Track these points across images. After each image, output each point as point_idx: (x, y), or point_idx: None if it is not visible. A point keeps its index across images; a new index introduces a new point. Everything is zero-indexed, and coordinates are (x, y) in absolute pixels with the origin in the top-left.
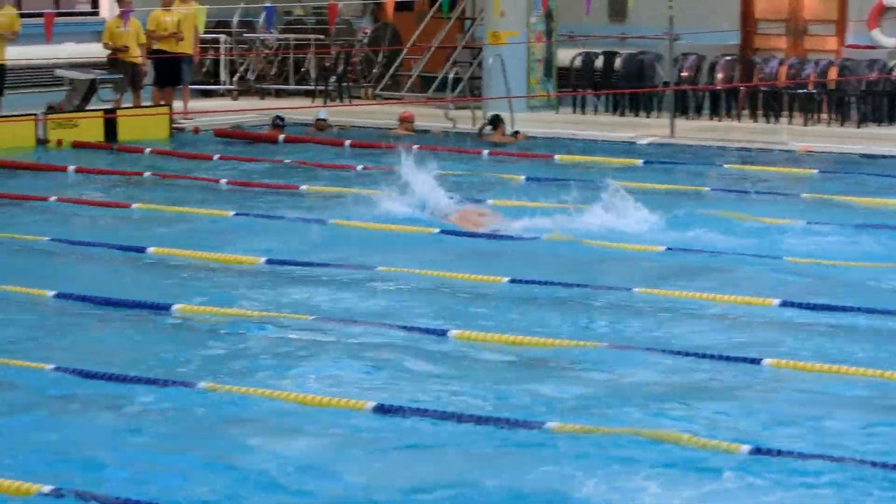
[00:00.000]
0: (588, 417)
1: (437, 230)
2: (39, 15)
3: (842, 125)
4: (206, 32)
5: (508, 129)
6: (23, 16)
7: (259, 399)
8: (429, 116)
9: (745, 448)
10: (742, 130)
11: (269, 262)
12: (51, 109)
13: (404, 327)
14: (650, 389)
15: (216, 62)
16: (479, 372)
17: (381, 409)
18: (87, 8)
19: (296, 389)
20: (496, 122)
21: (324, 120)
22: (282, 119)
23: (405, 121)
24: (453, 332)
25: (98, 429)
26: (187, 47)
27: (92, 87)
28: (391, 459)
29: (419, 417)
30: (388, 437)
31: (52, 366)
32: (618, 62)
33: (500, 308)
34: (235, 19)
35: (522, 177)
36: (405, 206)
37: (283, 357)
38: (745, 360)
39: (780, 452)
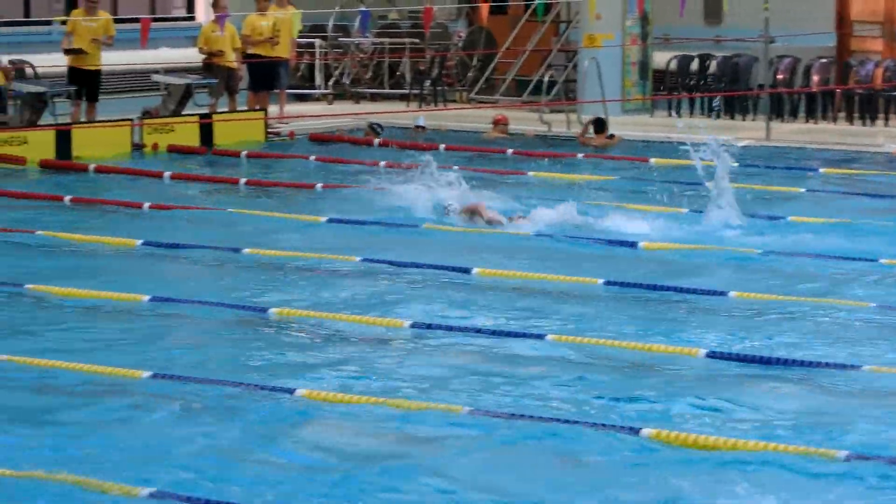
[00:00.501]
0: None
1: (531, 233)
2: (136, 20)
3: None
4: (301, 36)
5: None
6: (119, 21)
7: (358, 406)
8: (523, 120)
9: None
10: (838, 133)
11: (365, 260)
12: (146, 114)
13: (500, 332)
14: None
15: (311, 66)
16: (576, 374)
17: (476, 412)
18: (183, 13)
19: (392, 394)
20: (601, 124)
21: (422, 127)
22: (380, 126)
23: (499, 123)
24: (550, 337)
25: (196, 433)
26: (284, 51)
27: (187, 92)
28: (487, 462)
29: (511, 420)
30: (484, 440)
31: (148, 372)
32: (713, 65)
33: (598, 310)
34: (331, 23)
35: (615, 178)
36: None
37: (378, 360)
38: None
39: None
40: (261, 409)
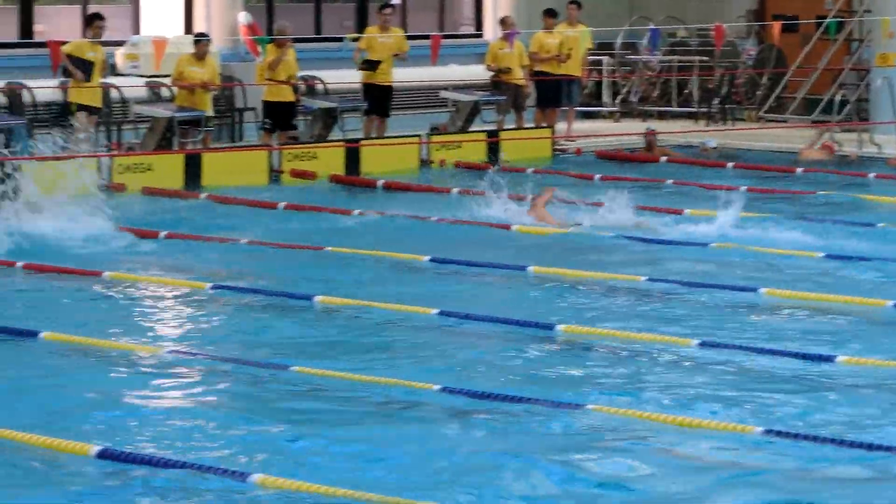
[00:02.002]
0: None
1: (821, 255)
2: (425, 37)
3: None
4: (589, 54)
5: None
6: (408, 38)
7: (641, 421)
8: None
9: None
10: None
11: (651, 280)
12: (434, 131)
13: (788, 353)
14: None
15: (598, 84)
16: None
17: (769, 433)
18: (471, 30)
19: (678, 412)
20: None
21: (714, 148)
22: (653, 132)
23: (826, 149)
24: (841, 359)
25: (484, 450)
26: (574, 69)
27: (475, 109)
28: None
29: (798, 441)
30: (775, 463)
31: (438, 386)
32: None
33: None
34: (619, 41)
35: None
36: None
37: (663, 379)
38: None
39: None
40: (551, 424)
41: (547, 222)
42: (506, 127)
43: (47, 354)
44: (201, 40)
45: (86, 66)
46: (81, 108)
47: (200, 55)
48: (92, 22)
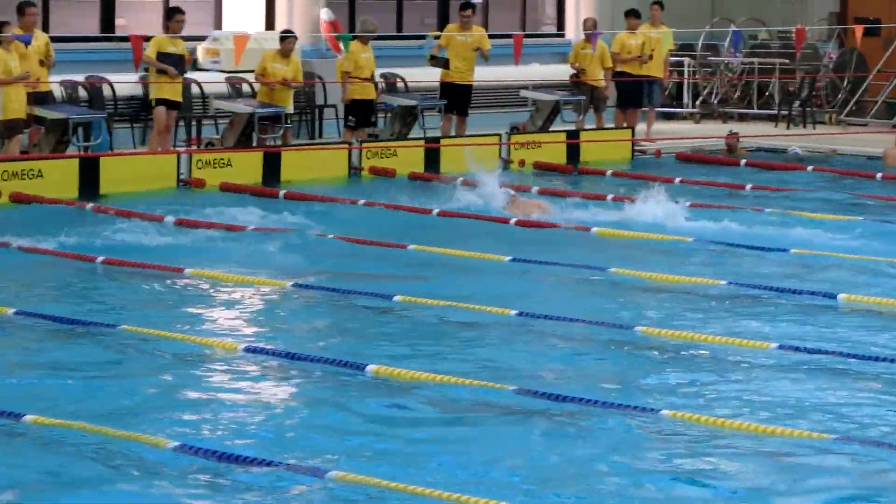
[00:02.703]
0: None
1: None
2: (507, 36)
3: None
4: (670, 55)
5: None
6: (490, 37)
7: (720, 430)
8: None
9: None
10: None
11: (731, 283)
12: (514, 130)
13: (866, 356)
14: None
15: (679, 85)
16: None
17: (844, 439)
18: (553, 30)
19: (753, 419)
20: None
21: (800, 157)
22: (735, 135)
23: None
24: None
25: (559, 452)
26: (656, 70)
27: (555, 109)
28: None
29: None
30: (851, 467)
31: (513, 386)
32: None
33: None
34: (700, 42)
35: None
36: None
37: (741, 385)
38: None
39: None
40: (621, 427)
41: (530, 211)
42: (585, 127)
43: (126, 347)
44: (287, 37)
45: (176, 62)
46: (160, 102)
47: (285, 52)
48: (172, 16)
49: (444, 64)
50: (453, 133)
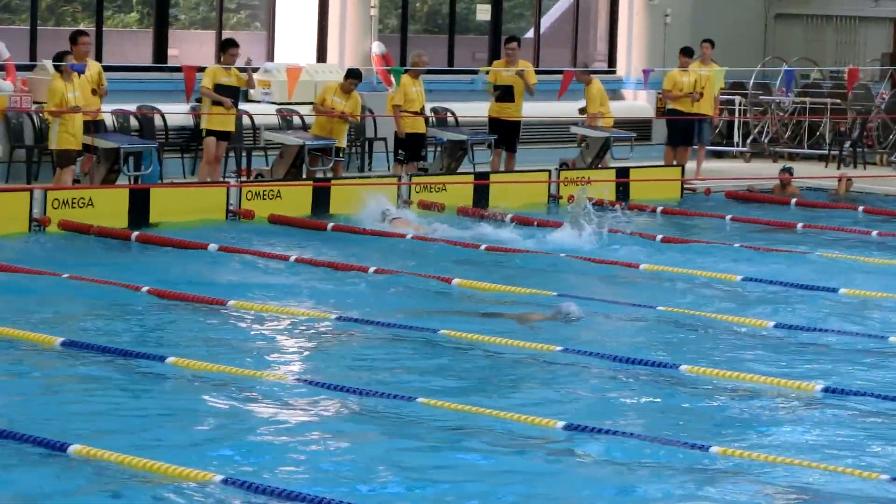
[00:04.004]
0: None
1: None
2: (558, 72)
3: None
4: (722, 93)
5: None
6: (540, 73)
7: (765, 464)
8: None
9: None
10: None
11: (778, 326)
12: (564, 166)
13: None
14: None
15: (730, 123)
16: None
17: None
18: (604, 66)
19: (798, 455)
20: None
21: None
22: (790, 171)
23: None
24: None
25: (601, 483)
26: (707, 108)
27: (605, 145)
28: None
29: None
30: None
31: (561, 423)
32: None
33: None
34: (751, 81)
35: None
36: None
37: (789, 425)
38: None
39: None
40: (677, 466)
41: (405, 228)
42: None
43: (172, 380)
44: (352, 79)
45: (230, 93)
46: (210, 133)
47: (347, 89)
48: (226, 49)
49: (505, 94)
50: (503, 168)
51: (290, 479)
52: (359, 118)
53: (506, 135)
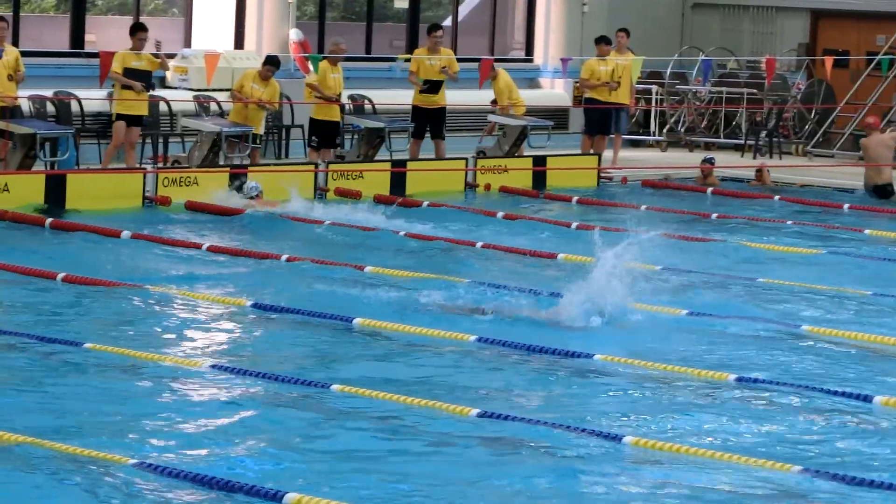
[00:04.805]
0: None
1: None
2: (475, 60)
3: None
4: (638, 82)
5: None
6: (459, 60)
7: (678, 455)
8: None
9: None
10: None
11: (692, 314)
12: (481, 154)
13: (829, 391)
14: None
15: (646, 113)
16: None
17: (807, 471)
18: (521, 54)
19: (711, 447)
20: None
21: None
22: (711, 161)
23: None
24: (879, 399)
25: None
26: (623, 97)
27: (522, 134)
28: None
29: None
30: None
31: (475, 411)
32: None
33: None
34: (668, 70)
35: None
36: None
37: (702, 414)
38: None
39: None
40: (698, 481)
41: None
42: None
43: (90, 365)
44: (269, 66)
45: (142, 77)
46: (120, 117)
47: (265, 76)
48: (135, 33)
49: (434, 89)
50: (434, 156)
51: (203, 463)
52: (277, 105)
53: (432, 123)
